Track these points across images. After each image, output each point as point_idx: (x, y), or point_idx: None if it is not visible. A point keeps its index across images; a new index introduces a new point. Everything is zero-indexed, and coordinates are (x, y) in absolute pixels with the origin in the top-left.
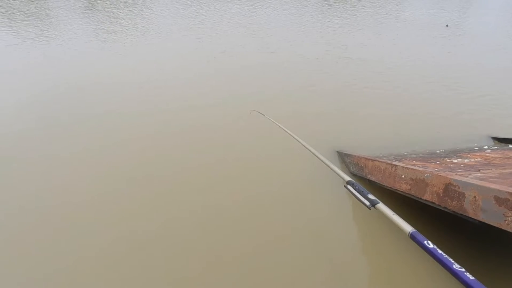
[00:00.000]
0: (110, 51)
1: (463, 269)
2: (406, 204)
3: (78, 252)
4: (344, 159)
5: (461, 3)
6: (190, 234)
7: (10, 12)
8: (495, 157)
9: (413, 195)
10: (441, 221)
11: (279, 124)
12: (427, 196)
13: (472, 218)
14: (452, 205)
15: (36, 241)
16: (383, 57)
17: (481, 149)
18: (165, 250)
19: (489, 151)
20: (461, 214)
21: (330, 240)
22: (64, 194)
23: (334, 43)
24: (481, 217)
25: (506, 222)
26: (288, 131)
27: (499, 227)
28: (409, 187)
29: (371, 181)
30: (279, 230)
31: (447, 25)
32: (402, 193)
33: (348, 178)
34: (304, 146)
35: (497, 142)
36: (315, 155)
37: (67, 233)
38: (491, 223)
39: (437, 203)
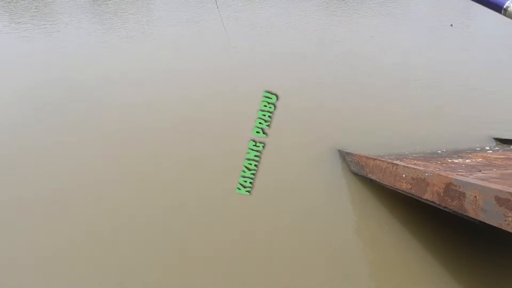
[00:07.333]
0: (114, 45)
1: None
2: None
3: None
4: (345, 157)
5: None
6: (186, 227)
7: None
8: (497, 158)
9: (413, 194)
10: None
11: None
12: (428, 196)
13: (473, 218)
14: (452, 205)
15: (32, 230)
16: (387, 53)
17: (482, 149)
18: (163, 242)
19: (491, 151)
20: (461, 214)
21: (327, 225)
22: (64, 183)
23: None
24: (482, 217)
25: (507, 222)
26: None
27: (500, 227)
28: (410, 186)
29: (372, 180)
30: (277, 220)
31: (451, 25)
32: (402, 192)
33: None
34: None
35: (499, 143)
36: None
37: (65, 221)
38: (492, 223)
39: (437, 203)
